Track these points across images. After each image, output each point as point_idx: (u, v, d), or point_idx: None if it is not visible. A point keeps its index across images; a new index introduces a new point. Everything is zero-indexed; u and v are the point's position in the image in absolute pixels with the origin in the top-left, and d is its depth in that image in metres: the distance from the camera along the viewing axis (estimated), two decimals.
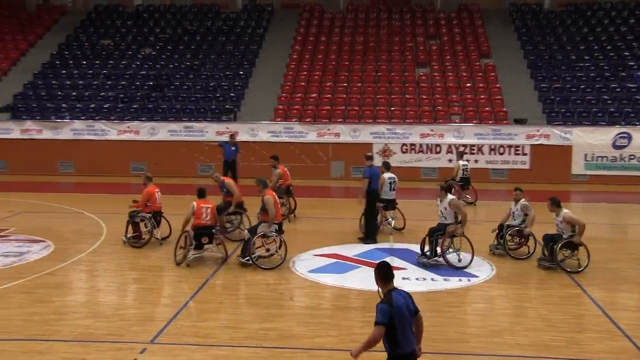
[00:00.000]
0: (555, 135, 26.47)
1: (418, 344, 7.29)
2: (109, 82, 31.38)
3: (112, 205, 21.53)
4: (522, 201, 15.22)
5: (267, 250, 14.59)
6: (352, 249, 15.84)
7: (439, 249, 14.42)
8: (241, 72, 31.57)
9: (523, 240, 15.33)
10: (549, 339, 10.46)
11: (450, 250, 14.40)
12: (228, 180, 17.04)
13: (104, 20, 36.67)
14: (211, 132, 27.63)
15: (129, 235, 16.50)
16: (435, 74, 30.78)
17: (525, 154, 26.59)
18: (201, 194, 15.13)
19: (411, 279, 13.47)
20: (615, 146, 26.50)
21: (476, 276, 13.77)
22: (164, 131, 27.84)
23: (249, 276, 13.98)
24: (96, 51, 33.88)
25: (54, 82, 31.70)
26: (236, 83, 30.89)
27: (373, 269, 14.00)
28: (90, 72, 32.15)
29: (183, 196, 21.00)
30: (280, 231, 14.62)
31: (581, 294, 12.75)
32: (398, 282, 12.89)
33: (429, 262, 14.35)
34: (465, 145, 25.97)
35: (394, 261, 14.68)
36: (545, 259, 14.45)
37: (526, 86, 29.95)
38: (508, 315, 11.79)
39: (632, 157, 26.47)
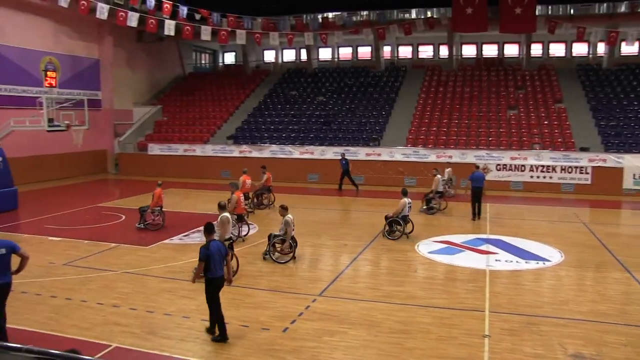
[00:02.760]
0: (611, 159, 24.65)
1: (228, 274, 8.88)
2: (294, 119, 32.16)
3: (293, 201, 22.07)
4: (287, 217, 13.11)
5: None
6: (460, 238, 15.53)
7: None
8: (383, 113, 31.52)
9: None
10: (604, 309, 9.91)
11: None
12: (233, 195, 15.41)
13: (292, 78, 37.64)
14: (362, 154, 27.74)
15: (141, 224, 16.68)
16: (522, 114, 29.51)
17: (588, 173, 24.85)
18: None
19: (501, 261, 13.05)
20: None
21: (549, 260, 13.16)
22: (330, 152, 28.19)
23: (386, 254, 14.02)
24: (287, 99, 34.84)
25: (260, 119, 32.83)
26: (380, 120, 30.86)
27: (475, 253, 13.82)
28: (283, 113, 33.09)
29: (331, 197, 21.21)
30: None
31: (629, 277, 11.93)
32: (492, 263, 12.64)
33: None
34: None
35: (489, 248, 14.34)
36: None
37: (589, 124, 28.01)
38: (572, 290, 11.17)
39: None
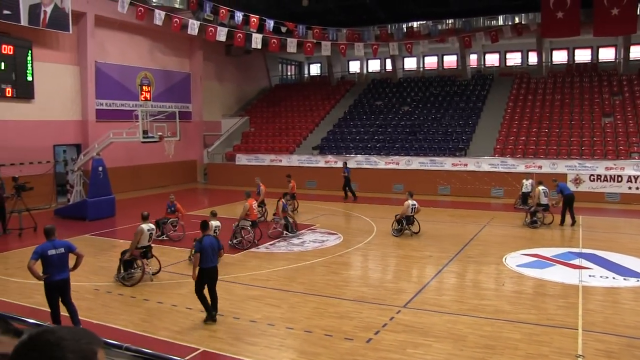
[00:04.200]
0: None
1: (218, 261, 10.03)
2: (380, 130, 32.05)
3: (379, 212, 22.02)
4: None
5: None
6: (550, 251, 14.85)
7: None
8: (470, 122, 30.84)
9: None
10: None
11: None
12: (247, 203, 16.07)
13: (377, 88, 37.58)
14: (448, 164, 27.25)
15: (162, 236, 16.29)
16: (618, 122, 27.92)
17: None
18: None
19: (596, 277, 12.32)
20: None
21: None
22: (415, 162, 27.89)
23: (472, 266, 13.67)
24: (372, 109, 34.79)
25: (345, 130, 32.97)
26: (466, 129, 30.21)
27: (566, 267, 13.18)
28: (368, 123, 33.07)
29: (426, 208, 20.94)
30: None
31: None
32: (585, 279, 12.01)
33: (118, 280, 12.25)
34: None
35: (582, 262, 13.63)
36: None
37: None
38: None
39: None
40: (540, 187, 18.74)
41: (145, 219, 12.74)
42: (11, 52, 23.08)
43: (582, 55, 35.63)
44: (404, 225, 17.04)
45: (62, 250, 8.91)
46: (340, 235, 17.39)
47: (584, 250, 14.96)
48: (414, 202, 17.03)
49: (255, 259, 14.46)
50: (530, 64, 36.45)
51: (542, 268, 13.17)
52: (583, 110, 29.41)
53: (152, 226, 12.93)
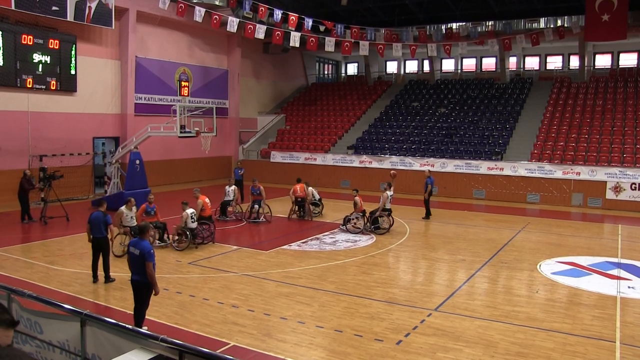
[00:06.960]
0: None
1: None
2: (416, 131, 31.83)
3: (411, 214, 21.85)
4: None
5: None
6: (587, 260, 14.51)
7: None
8: (507, 126, 30.37)
9: None
10: None
11: None
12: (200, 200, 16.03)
13: (414, 89, 37.31)
14: (484, 167, 26.87)
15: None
16: None
17: None
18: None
19: (636, 288, 11.97)
20: None
21: None
22: (451, 165, 27.60)
23: (505, 272, 13.46)
24: (408, 110, 34.58)
25: (381, 130, 32.86)
26: (503, 133, 29.76)
27: (604, 277, 12.88)
28: (404, 124, 32.88)
29: (449, 210, 20.72)
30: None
31: None
32: (624, 290, 11.71)
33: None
34: None
35: (620, 273, 13.28)
36: None
37: None
38: None
39: None
40: (389, 193, 18.01)
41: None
42: (57, 47, 23.77)
43: (628, 60, 34.74)
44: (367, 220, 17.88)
45: (137, 252, 8.76)
46: (372, 235, 17.32)
47: (623, 261, 14.55)
48: (392, 193, 17.92)
49: (287, 256, 14.52)
50: (571, 67, 35.76)
51: (578, 277, 12.88)
52: (626, 117, 28.68)
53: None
